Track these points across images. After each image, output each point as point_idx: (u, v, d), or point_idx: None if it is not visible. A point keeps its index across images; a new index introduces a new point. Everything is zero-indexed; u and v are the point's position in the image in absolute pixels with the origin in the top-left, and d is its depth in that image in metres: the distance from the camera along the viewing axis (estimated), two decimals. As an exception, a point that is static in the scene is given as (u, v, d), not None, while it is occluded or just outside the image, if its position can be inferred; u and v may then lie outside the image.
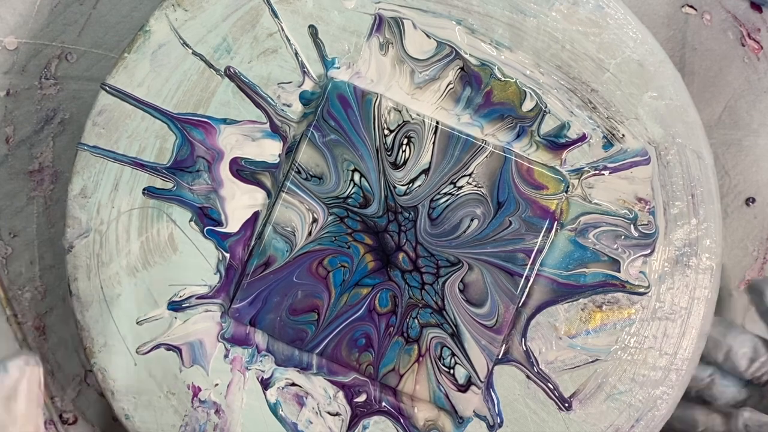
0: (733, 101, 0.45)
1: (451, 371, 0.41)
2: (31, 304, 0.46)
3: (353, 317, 0.41)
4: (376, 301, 0.41)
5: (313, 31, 0.42)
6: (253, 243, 0.42)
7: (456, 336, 0.41)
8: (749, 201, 0.45)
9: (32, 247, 0.46)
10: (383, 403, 0.42)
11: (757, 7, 0.44)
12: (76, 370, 0.47)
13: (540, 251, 0.41)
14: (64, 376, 0.47)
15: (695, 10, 0.45)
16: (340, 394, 0.42)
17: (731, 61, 0.45)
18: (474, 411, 0.42)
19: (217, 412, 0.42)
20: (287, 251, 0.41)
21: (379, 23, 0.42)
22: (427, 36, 0.42)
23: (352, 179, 0.41)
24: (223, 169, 0.42)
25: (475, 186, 0.41)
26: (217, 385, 0.42)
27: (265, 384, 0.42)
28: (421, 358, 0.41)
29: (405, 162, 0.42)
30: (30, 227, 0.46)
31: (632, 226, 0.42)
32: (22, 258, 0.46)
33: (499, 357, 0.42)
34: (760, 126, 0.46)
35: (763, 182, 0.46)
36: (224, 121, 0.42)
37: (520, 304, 0.41)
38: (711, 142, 0.42)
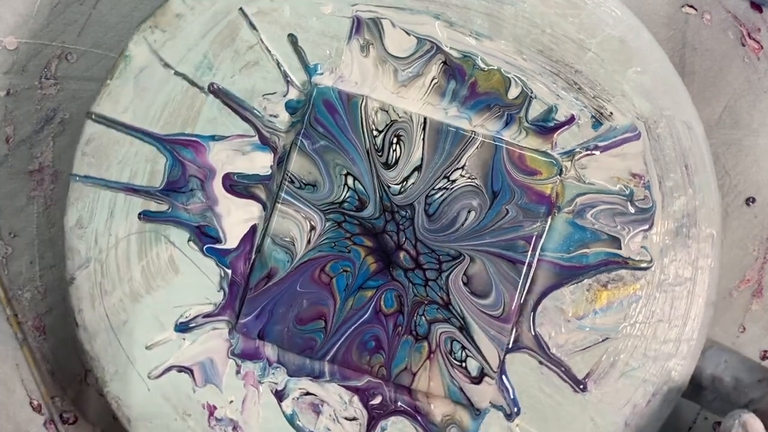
0: (733, 101, 0.46)
1: (463, 364, 0.41)
2: (31, 304, 0.46)
3: (360, 320, 0.41)
4: (382, 302, 0.42)
5: (292, 39, 0.42)
6: (253, 257, 0.42)
7: (464, 329, 0.41)
8: (749, 201, 0.45)
9: (32, 247, 0.46)
10: (399, 403, 0.42)
11: (757, 7, 0.44)
12: (76, 370, 0.46)
13: (540, 236, 0.41)
14: (64, 376, 0.47)
15: (695, 9, 0.45)
16: (355, 398, 0.42)
17: (731, 61, 0.45)
18: (490, 401, 0.42)
19: (234, 428, 0.42)
20: (288, 261, 0.41)
21: (357, 25, 0.42)
22: (407, 33, 0.42)
23: (345, 183, 0.41)
24: (217, 186, 0.42)
25: (469, 178, 0.41)
26: (232, 401, 0.42)
27: (280, 396, 0.42)
28: (432, 355, 0.41)
29: (397, 161, 0.42)
30: (30, 227, 0.46)
31: (629, 202, 0.42)
32: (22, 258, 0.46)
33: (510, 345, 0.42)
34: (760, 126, 0.46)
35: (763, 182, 0.46)
36: (213, 137, 0.42)
37: (525, 291, 0.41)
38: (711, 142, 0.43)
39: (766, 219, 0.46)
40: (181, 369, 0.42)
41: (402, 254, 0.42)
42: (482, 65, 0.42)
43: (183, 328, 0.42)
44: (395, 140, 0.42)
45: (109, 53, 0.46)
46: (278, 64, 0.42)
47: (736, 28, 0.44)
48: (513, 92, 0.42)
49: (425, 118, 0.42)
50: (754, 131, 0.45)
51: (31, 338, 0.46)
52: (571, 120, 0.42)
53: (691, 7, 0.44)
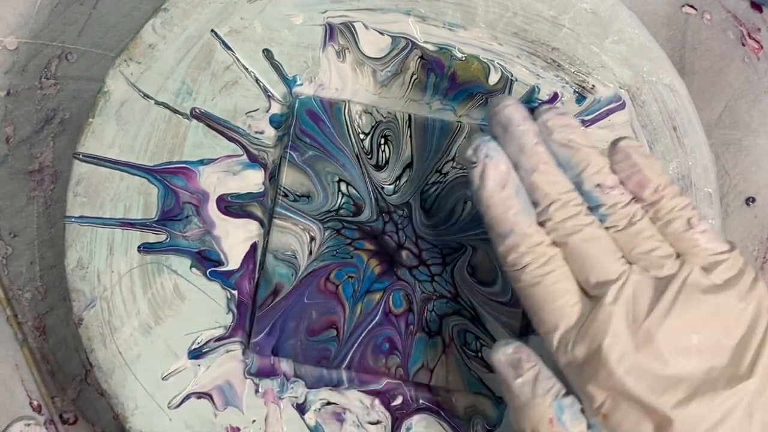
0: (733, 101, 0.46)
1: (479, 354, 0.41)
2: (31, 304, 0.46)
3: (372, 324, 0.41)
4: (391, 303, 0.42)
5: (268, 54, 0.42)
6: (257, 275, 0.42)
7: (476, 319, 0.41)
8: (749, 201, 0.45)
9: (32, 247, 0.46)
10: (421, 401, 0.42)
11: (757, 7, 0.44)
12: (76, 370, 0.46)
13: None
14: (64, 376, 0.46)
15: (695, 9, 0.45)
16: (377, 401, 0.42)
17: (731, 61, 0.46)
18: (510, 388, 0.42)
19: (260, 447, 0.42)
20: (292, 275, 0.41)
21: (330, 32, 0.42)
22: (381, 33, 0.42)
23: (339, 190, 0.41)
24: (212, 210, 0.42)
25: (461, 169, 0.41)
26: (254, 421, 0.42)
27: (302, 409, 0.42)
28: (447, 349, 0.41)
29: (387, 161, 0.42)
30: (30, 227, 0.46)
31: (622, 172, 0.42)
32: (22, 258, 0.46)
33: (522, 329, 0.42)
34: (760, 126, 0.46)
35: (763, 182, 0.46)
36: (201, 162, 0.42)
37: (531, 274, 0.41)
38: (711, 142, 0.43)
39: (766, 219, 0.46)
40: (200, 395, 0.42)
41: (404, 253, 0.42)
42: (459, 55, 0.42)
43: (196, 354, 0.42)
44: (383, 141, 0.42)
45: (109, 53, 0.46)
46: (257, 80, 0.42)
47: (736, 28, 0.44)
48: (493, 78, 0.42)
49: (410, 115, 0.42)
50: (754, 131, 0.45)
51: (31, 338, 0.46)
52: (554, 98, 0.42)
53: (691, 7, 0.45)
